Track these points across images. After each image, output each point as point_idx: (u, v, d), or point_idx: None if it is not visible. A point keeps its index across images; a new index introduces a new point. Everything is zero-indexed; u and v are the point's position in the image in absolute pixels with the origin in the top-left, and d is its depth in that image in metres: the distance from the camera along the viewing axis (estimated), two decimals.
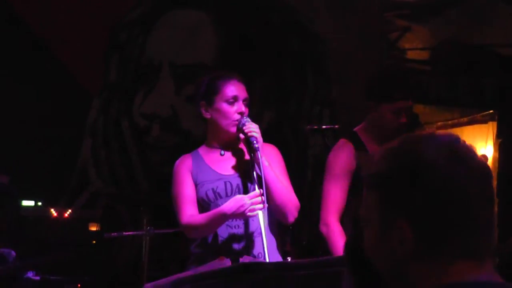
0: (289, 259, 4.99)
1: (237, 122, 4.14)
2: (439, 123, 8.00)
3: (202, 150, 4.30)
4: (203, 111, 4.25)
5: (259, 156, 4.02)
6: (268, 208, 4.08)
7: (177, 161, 4.29)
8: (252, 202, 3.98)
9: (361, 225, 2.01)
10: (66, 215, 6.64)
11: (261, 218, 4.01)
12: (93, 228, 6.67)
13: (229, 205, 4.03)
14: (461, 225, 1.61)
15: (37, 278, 5.75)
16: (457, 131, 7.84)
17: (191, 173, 4.23)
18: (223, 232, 4.15)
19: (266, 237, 3.97)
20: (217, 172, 4.22)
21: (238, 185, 4.18)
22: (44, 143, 7.10)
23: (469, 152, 1.68)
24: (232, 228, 4.16)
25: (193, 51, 7.49)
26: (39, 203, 6.66)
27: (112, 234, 6.01)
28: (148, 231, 5.71)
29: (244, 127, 4.10)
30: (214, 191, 4.17)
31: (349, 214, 4.36)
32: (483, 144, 7.34)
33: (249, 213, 4.00)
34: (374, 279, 2.01)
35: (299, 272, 3.31)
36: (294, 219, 4.19)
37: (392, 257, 1.66)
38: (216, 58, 7.46)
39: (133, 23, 7.53)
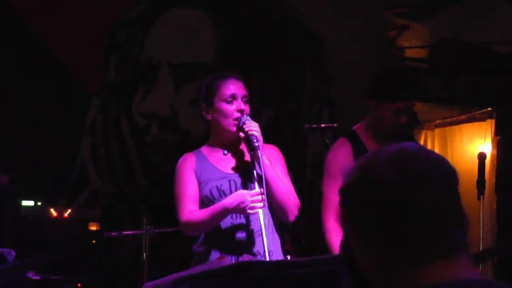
0: (288, 257, 4.98)
1: (237, 121, 4.14)
2: (437, 121, 8.00)
3: (205, 150, 4.30)
4: (204, 113, 4.25)
5: (259, 155, 4.02)
6: (270, 207, 4.08)
7: (180, 159, 4.29)
8: (252, 200, 3.99)
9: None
10: (66, 214, 6.64)
11: (261, 216, 4.01)
12: (93, 228, 6.67)
13: (231, 199, 4.03)
14: (416, 232, 1.61)
15: (37, 277, 5.75)
16: (455, 128, 7.83)
17: (195, 172, 4.23)
18: (228, 230, 4.15)
19: (266, 236, 3.97)
20: (221, 171, 4.22)
21: (242, 183, 4.18)
22: (43, 143, 7.09)
23: (419, 158, 1.67)
24: (236, 227, 4.16)
25: (192, 50, 7.48)
26: (39, 203, 6.65)
27: (112, 233, 6.00)
28: (147, 230, 5.71)
29: (244, 126, 4.10)
30: (218, 189, 4.17)
31: None
32: (482, 142, 7.34)
33: (249, 210, 4.00)
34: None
35: (299, 270, 3.31)
36: (295, 218, 4.19)
37: (369, 265, 1.69)
38: (215, 57, 7.46)
39: (132, 22, 7.52)
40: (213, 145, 4.29)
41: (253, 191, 4.02)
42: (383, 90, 4.36)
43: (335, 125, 5.67)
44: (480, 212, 5.07)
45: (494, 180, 7.10)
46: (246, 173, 4.18)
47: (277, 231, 4.20)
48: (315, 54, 7.68)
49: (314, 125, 6.29)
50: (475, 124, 7.68)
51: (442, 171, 1.67)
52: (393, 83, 4.38)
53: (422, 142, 7.82)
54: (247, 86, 4.23)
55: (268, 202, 4.03)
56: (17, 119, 7.07)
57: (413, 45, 7.80)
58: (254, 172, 4.06)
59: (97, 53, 7.41)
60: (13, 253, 5.43)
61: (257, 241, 4.12)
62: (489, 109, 7.55)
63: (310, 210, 6.19)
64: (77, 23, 7.28)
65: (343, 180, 1.77)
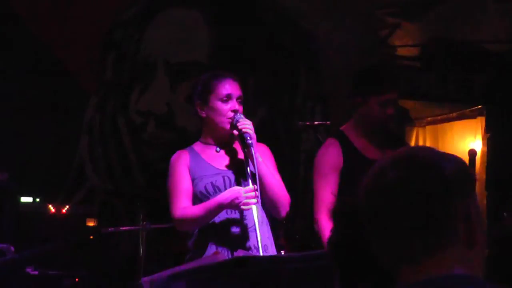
0: (282, 252, 5.00)
1: (231, 120, 4.17)
2: (429, 118, 8.02)
3: (197, 147, 4.32)
4: (199, 110, 4.28)
5: (253, 152, 4.05)
6: (262, 203, 4.10)
7: (174, 156, 4.31)
8: (247, 196, 4.01)
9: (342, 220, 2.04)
10: (64, 211, 6.64)
11: (255, 212, 4.03)
12: (91, 224, 6.67)
13: (225, 195, 4.06)
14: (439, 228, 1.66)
15: (36, 272, 5.75)
16: (446, 126, 7.85)
17: (189, 168, 4.25)
18: (223, 225, 4.17)
19: (260, 231, 3.99)
20: (215, 167, 4.25)
21: (235, 179, 4.21)
22: (42, 141, 7.09)
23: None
24: (231, 221, 4.18)
25: (188, 49, 7.48)
26: (38, 199, 6.65)
27: (109, 229, 6.01)
28: (144, 226, 5.72)
29: (238, 124, 4.13)
30: (213, 185, 4.20)
31: None
32: (472, 139, 7.37)
33: (243, 206, 4.03)
34: (357, 273, 2.03)
35: (292, 265, 3.33)
36: (286, 214, 4.22)
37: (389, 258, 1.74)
38: (210, 55, 7.46)
39: (128, 21, 7.52)
40: (205, 142, 4.31)
41: (247, 188, 4.04)
42: (369, 84, 4.41)
43: (328, 122, 5.68)
44: None
45: (484, 176, 7.13)
46: (239, 170, 4.20)
47: (271, 227, 4.22)
48: (308, 53, 7.69)
49: (307, 123, 6.31)
50: (466, 121, 7.70)
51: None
52: (377, 76, 4.44)
53: (413, 139, 7.85)
54: (242, 87, 4.27)
55: (261, 198, 4.05)
56: (17, 117, 7.07)
57: (404, 44, 7.81)
58: (248, 169, 4.08)
59: (94, 52, 7.41)
60: (12, 248, 5.43)
61: (251, 235, 4.15)
62: (479, 106, 7.57)
63: (303, 206, 6.21)
64: (74, 23, 7.28)
65: (372, 180, 1.76)
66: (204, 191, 4.20)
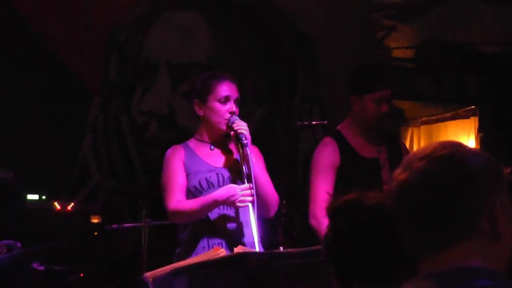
0: (281, 248, 5.02)
1: (227, 121, 4.20)
2: (423, 118, 8.03)
3: (192, 143, 4.36)
4: (197, 108, 4.31)
5: (248, 152, 4.08)
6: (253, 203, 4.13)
7: (169, 151, 4.34)
8: (242, 194, 4.04)
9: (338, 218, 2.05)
10: (69, 208, 6.65)
11: (251, 210, 4.06)
12: (95, 220, 6.68)
13: (221, 192, 4.09)
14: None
15: (42, 268, 5.76)
16: (441, 125, 7.86)
17: (184, 163, 4.28)
18: (215, 220, 4.19)
19: (256, 228, 4.02)
20: (209, 164, 4.28)
21: (229, 177, 4.24)
22: (47, 140, 7.10)
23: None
24: (224, 217, 4.21)
25: (189, 51, 7.49)
26: (43, 197, 6.66)
27: (113, 226, 6.03)
28: (147, 222, 5.73)
29: (233, 125, 4.17)
30: (207, 181, 4.23)
31: None
32: (466, 138, 7.38)
33: (238, 204, 4.06)
34: (352, 270, 2.04)
35: (291, 261, 3.34)
36: (274, 213, 4.27)
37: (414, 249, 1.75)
38: (211, 57, 7.47)
39: (131, 24, 7.53)
40: (200, 139, 4.35)
41: (243, 186, 4.07)
42: (363, 82, 4.44)
43: (325, 122, 5.70)
44: None
45: None
46: (233, 168, 4.24)
47: (263, 225, 4.25)
48: (306, 55, 7.70)
49: (305, 123, 6.33)
50: (460, 121, 7.70)
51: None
52: (371, 75, 4.47)
53: (408, 139, 7.86)
54: (240, 89, 4.30)
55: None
56: (22, 118, 7.08)
57: (400, 46, 7.82)
58: (244, 168, 4.11)
59: (98, 54, 7.42)
60: (19, 244, 5.44)
61: (245, 232, 4.18)
62: (472, 107, 7.58)
63: (301, 204, 6.22)
64: (79, 26, 7.29)
65: (401, 171, 1.76)
66: (198, 186, 4.23)
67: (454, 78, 7.81)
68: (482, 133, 7.29)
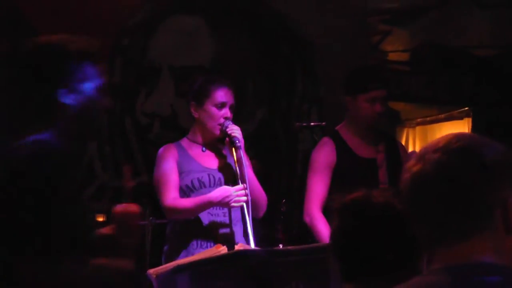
0: (280, 246, 5.02)
1: (220, 125, 4.22)
2: (418, 120, 8.03)
3: (184, 143, 4.38)
4: (193, 110, 4.33)
5: (241, 154, 4.10)
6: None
7: (162, 149, 4.37)
8: (237, 194, 4.05)
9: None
10: None
11: (246, 209, 4.07)
12: (100, 219, 6.67)
13: (216, 194, 4.10)
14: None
15: None
16: (435, 126, 7.87)
17: (177, 162, 4.29)
18: (205, 219, 4.21)
19: (251, 227, 4.03)
20: (201, 165, 4.30)
21: (220, 178, 4.25)
22: None
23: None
24: (212, 216, 4.22)
25: (191, 54, 7.49)
26: None
27: None
28: (150, 221, 5.72)
29: (227, 129, 4.20)
30: (199, 180, 4.25)
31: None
32: None
33: (233, 204, 4.07)
34: (358, 265, 2.04)
35: (290, 258, 3.34)
36: (263, 213, 4.29)
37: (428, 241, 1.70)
38: (212, 60, 7.46)
39: (135, 28, 7.52)
40: (193, 140, 4.37)
41: (237, 187, 4.09)
42: (357, 83, 4.45)
43: (323, 123, 5.70)
44: None
45: None
46: (223, 170, 4.27)
47: (255, 224, 4.27)
48: (305, 57, 7.69)
49: (304, 124, 6.32)
50: (454, 122, 7.71)
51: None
52: (364, 76, 4.49)
53: (404, 140, 7.86)
54: (241, 90, 4.33)
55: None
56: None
57: (395, 49, 7.82)
58: (237, 169, 4.13)
59: (102, 57, 7.41)
60: None
61: (236, 231, 4.19)
62: (466, 108, 7.58)
63: (300, 202, 6.21)
64: (85, 31, 7.27)
65: (414, 163, 1.72)
66: (190, 185, 4.25)
67: (448, 81, 7.81)
68: (476, 134, 7.28)
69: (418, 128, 8.02)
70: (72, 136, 2.54)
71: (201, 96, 4.30)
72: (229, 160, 4.23)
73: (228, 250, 3.84)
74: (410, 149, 7.39)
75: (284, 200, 5.88)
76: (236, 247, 3.91)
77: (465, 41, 7.63)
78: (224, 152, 4.32)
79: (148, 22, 7.56)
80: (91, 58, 2.42)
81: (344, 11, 7.58)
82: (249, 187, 4.14)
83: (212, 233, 4.22)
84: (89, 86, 2.62)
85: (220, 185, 4.23)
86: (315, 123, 6.06)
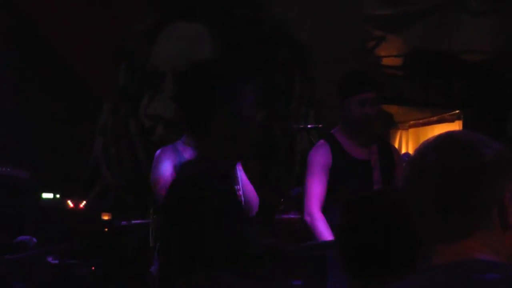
0: (278, 244, 5.05)
1: None
2: (411, 122, 8.07)
3: (180, 146, 4.37)
4: None
5: None
6: None
7: (159, 151, 4.37)
8: None
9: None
10: (81, 206, 6.68)
11: None
12: (105, 217, 6.69)
13: None
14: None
15: (56, 261, 5.78)
16: (428, 129, 7.90)
17: (173, 163, 4.30)
18: None
19: None
20: None
21: None
22: (61, 143, 7.12)
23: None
24: None
25: (193, 59, 7.51)
26: (57, 196, 6.69)
27: (122, 222, 6.04)
28: (154, 219, 5.74)
29: None
30: None
31: (335, 204, 4.41)
32: None
33: None
34: (363, 261, 2.05)
35: (287, 256, 3.37)
36: (255, 214, 4.32)
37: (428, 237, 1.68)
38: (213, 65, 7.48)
39: (139, 34, 7.55)
40: (188, 144, 4.37)
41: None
42: (347, 86, 4.47)
43: (320, 126, 5.72)
44: None
45: None
46: None
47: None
48: (302, 62, 7.72)
49: (301, 126, 6.36)
50: (446, 124, 7.74)
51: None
52: (355, 79, 4.50)
53: (397, 141, 7.90)
54: None
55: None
56: (38, 122, 7.11)
57: (389, 54, 7.85)
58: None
59: (108, 62, 7.44)
60: (35, 240, 5.47)
61: None
62: (457, 111, 7.62)
63: (298, 201, 6.25)
64: (91, 36, 7.31)
65: (414, 160, 1.69)
66: None
67: (440, 84, 7.84)
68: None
69: (411, 130, 8.06)
70: (228, 154, 2.56)
71: None
72: None
73: None
74: (403, 151, 7.42)
75: (282, 200, 5.92)
76: None
77: (456, 46, 7.66)
78: None
79: (152, 28, 7.59)
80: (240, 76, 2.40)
81: (341, 17, 7.61)
82: (243, 188, 4.16)
83: None
84: (244, 104, 2.63)
85: None
86: (312, 125, 6.10)
